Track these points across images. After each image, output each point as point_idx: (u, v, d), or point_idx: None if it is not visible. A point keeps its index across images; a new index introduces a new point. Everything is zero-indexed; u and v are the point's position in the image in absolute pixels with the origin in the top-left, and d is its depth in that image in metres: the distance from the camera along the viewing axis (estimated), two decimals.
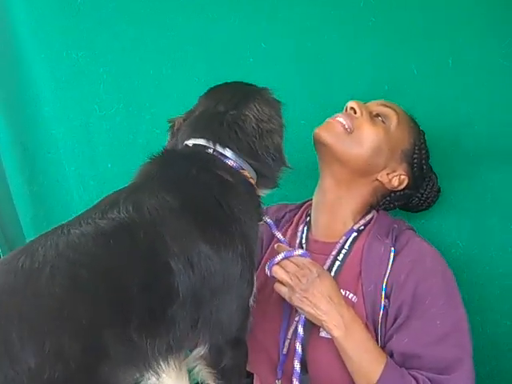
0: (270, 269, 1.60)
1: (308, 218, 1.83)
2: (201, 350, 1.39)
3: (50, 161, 2.63)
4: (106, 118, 2.47)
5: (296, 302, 1.56)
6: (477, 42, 1.79)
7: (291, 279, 1.55)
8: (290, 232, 1.84)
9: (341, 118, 1.68)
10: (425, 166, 1.76)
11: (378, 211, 1.77)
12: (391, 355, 1.53)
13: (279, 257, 1.59)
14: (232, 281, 1.37)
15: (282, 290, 1.59)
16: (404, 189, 1.75)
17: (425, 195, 1.80)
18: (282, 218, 1.89)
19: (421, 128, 1.78)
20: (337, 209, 1.73)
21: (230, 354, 1.40)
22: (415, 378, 1.47)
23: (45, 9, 2.45)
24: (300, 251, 1.60)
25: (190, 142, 1.50)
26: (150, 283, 1.24)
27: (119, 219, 1.25)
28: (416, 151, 1.74)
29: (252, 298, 1.46)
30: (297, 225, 1.85)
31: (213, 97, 1.57)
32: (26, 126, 2.64)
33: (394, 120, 1.70)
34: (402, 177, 1.72)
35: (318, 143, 1.69)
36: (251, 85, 1.59)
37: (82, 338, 1.14)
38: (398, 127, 1.70)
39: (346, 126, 1.67)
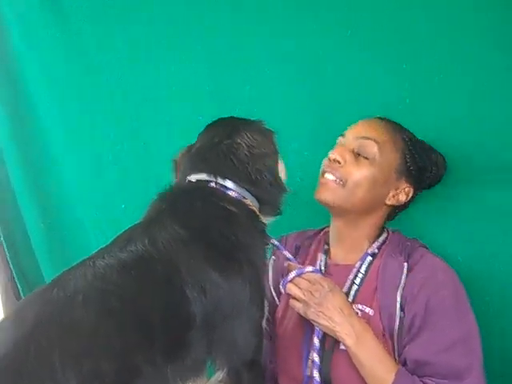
0: (284, 286, 1.68)
1: (326, 247, 1.89)
2: (220, 374, 1.48)
3: (62, 197, 2.76)
4: (115, 155, 2.57)
5: (311, 316, 1.64)
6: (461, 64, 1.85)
7: (305, 295, 1.64)
8: (308, 261, 1.89)
9: (329, 175, 1.74)
10: (421, 163, 1.79)
11: (392, 231, 1.83)
12: (404, 363, 1.61)
13: (292, 274, 1.66)
14: (242, 305, 1.46)
15: (297, 306, 1.67)
16: (412, 195, 1.81)
17: (432, 177, 1.84)
18: (301, 245, 1.96)
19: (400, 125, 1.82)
20: (353, 241, 1.81)
21: (247, 376, 1.48)
22: None
23: (52, 52, 2.60)
24: (311, 268, 1.68)
25: (193, 178, 1.59)
26: (170, 311, 1.35)
27: (137, 252, 1.37)
28: (408, 160, 1.78)
29: (264, 320, 1.54)
30: (315, 253, 1.91)
31: (209, 131, 1.65)
32: (40, 170, 2.77)
33: (374, 150, 1.74)
34: (407, 189, 1.79)
35: (321, 203, 1.76)
36: (245, 118, 1.67)
37: (115, 360, 1.25)
38: (381, 155, 1.75)
39: (337, 181, 1.73)
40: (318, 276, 1.66)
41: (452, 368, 1.55)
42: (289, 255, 1.73)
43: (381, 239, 1.80)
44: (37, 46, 2.62)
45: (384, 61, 1.97)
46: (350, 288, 1.75)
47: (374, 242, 1.79)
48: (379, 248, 1.78)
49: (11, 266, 2.79)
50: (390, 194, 1.77)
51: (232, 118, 1.69)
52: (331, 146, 1.82)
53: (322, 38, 2.07)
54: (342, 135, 1.82)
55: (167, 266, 1.38)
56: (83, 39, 2.52)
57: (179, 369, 1.35)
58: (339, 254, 1.84)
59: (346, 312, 1.62)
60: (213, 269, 1.41)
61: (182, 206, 1.53)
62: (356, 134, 1.79)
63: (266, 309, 1.55)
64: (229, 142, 1.56)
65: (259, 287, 1.51)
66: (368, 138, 1.76)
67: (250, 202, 1.56)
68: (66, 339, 1.23)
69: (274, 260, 1.94)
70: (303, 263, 1.86)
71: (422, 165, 1.79)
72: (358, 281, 1.74)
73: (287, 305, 1.79)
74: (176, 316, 1.35)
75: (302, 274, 1.67)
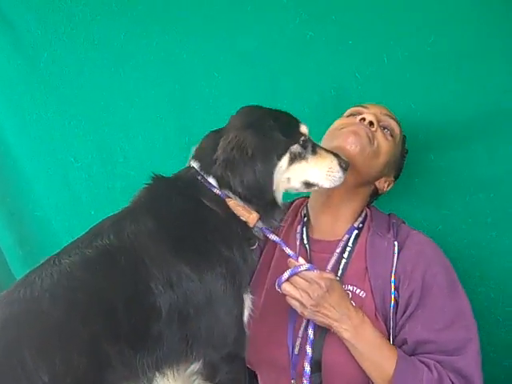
0: (280, 286, 1.61)
1: (305, 219, 1.87)
2: (196, 366, 1.46)
3: (36, 219, 2.75)
4: (83, 168, 2.59)
5: (308, 315, 1.62)
6: (406, 39, 1.93)
7: (302, 296, 1.60)
8: (284, 233, 1.86)
9: (361, 130, 1.71)
10: (404, 164, 1.89)
11: (368, 207, 1.85)
12: (405, 343, 1.60)
13: (286, 274, 1.60)
14: (215, 299, 1.44)
15: (294, 304, 1.63)
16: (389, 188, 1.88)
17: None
18: None
19: None
20: (341, 211, 1.80)
21: (225, 369, 1.47)
22: (427, 365, 1.55)
23: (10, 79, 2.61)
24: (306, 266, 1.60)
25: (191, 164, 1.56)
26: (133, 303, 1.35)
27: (101, 247, 1.37)
28: (404, 157, 1.88)
29: (246, 315, 1.52)
30: (291, 225, 1.89)
31: (233, 119, 1.59)
32: (9, 189, 2.76)
33: (398, 134, 1.80)
34: (390, 181, 1.85)
35: (345, 151, 1.68)
36: (267, 111, 1.57)
37: (85, 351, 1.27)
38: (398, 140, 1.81)
39: (371, 136, 1.72)
40: (314, 274, 1.59)
41: (453, 343, 1.57)
42: (289, 251, 1.65)
43: (363, 214, 1.82)
44: None
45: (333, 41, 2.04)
46: (338, 262, 1.73)
47: (358, 217, 1.80)
48: (363, 222, 1.79)
49: None
50: (382, 179, 1.82)
51: (253, 108, 1.61)
52: None
53: (272, 28, 2.15)
54: (363, 106, 1.82)
55: (131, 259, 1.38)
56: (39, 53, 2.54)
57: (148, 359, 1.35)
58: (323, 226, 1.81)
59: (344, 306, 1.59)
60: (182, 262, 1.40)
61: (160, 198, 1.52)
62: (381, 110, 1.81)
63: (249, 303, 1.53)
64: (217, 138, 1.51)
65: (234, 282, 1.46)
66: (394, 119, 1.80)
67: (236, 201, 1.51)
68: (36, 336, 1.25)
69: None
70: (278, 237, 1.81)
71: (403, 165, 1.89)
72: (346, 254, 1.73)
73: (269, 286, 1.75)
74: (139, 308, 1.35)
75: (297, 273, 1.60)
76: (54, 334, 1.26)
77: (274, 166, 1.50)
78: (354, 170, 1.69)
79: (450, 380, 1.53)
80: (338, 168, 1.58)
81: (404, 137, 1.87)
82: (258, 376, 1.85)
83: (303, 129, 1.57)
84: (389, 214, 1.83)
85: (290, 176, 1.55)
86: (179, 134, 2.32)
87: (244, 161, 1.44)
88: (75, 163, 2.61)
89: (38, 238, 2.76)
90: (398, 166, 1.86)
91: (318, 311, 1.59)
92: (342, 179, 1.59)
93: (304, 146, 1.55)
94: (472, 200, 1.90)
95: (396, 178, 1.88)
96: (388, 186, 1.86)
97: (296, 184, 1.58)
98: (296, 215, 1.91)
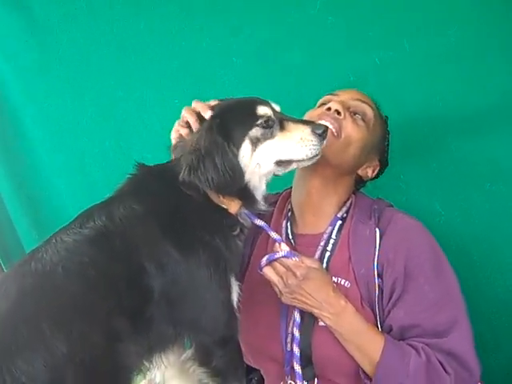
0: (261, 269, 1.62)
1: (290, 213, 1.85)
2: (189, 352, 1.49)
3: (52, 205, 2.79)
4: (100, 154, 2.61)
5: (286, 301, 1.63)
6: (427, 25, 1.90)
7: (278, 281, 1.59)
8: (272, 226, 1.81)
9: (328, 123, 1.65)
10: (388, 146, 1.84)
11: (354, 193, 1.82)
12: (390, 329, 1.59)
13: (264, 259, 1.61)
14: (200, 283, 1.45)
15: (274, 289, 1.62)
16: (376, 174, 1.83)
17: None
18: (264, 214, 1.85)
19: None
20: (323, 206, 1.77)
21: (219, 352, 1.49)
22: (414, 348, 1.54)
23: (28, 65, 2.64)
24: (283, 252, 1.59)
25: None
26: (132, 282, 1.37)
27: (96, 227, 1.38)
28: (387, 140, 1.83)
29: (235, 299, 1.53)
30: (278, 220, 1.87)
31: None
32: (27, 175, 2.80)
33: (371, 116, 1.74)
34: (375, 165, 1.81)
35: None
36: (232, 103, 1.58)
37: (99, 323, 1.29)
38: (374, 123, 1.75)
39: (334, 131, 1.66)
40: (291, 262, 1.58)
41: (438, 325, 1.55)
42: (274, 235, 1.65)
43: (348, 203, 1.78)
44: (12, 53, 2.67)
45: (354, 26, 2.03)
46: (321, 256, 1.71)
47: (342, 207, 1.77)
48: (347, 212, 1.76)
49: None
50: (364, 165, 1.78)
51: (220, 102, 1.59)
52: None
53: (292, 12, 2.13)
54: (332, 94, 1.78)
55: (125, 240, 1.40)
56: (57, 41, 2.57)
57: (141, 342, 1.37)
58: (307, 222, 1.79)
59: (324, 293, 1.58)
60: (169, 244, 1.42)
61: (145, 185, 1.54)
62: (352, 96, 1.76)
63: (236, 288, 1.54)
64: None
65: (218, 268, 1.48)
66: (366, 103, 1.75)
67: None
68: (53, 309, 1.27)
69: None
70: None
71: (388, 147, 1.84)
72: (329, 247, 1.72)
73: (261, 280, 1.68)
74: (136, 288, 1.37)
75: (273, 259, 1.60)
76: (70, 307, 1.29)
77: (233, 154, 1.47)
78: (327, 165, 1.67)
79: (439, 362, 1.52)
80: (310, 137, 1.51)
81: (386, 117, 1.82)
82: (263, 373, 1.85)
83: (261, 110, 1.51)
84: (374, 199, 1.78)
85: (259, 161, 1.51)
86: None
87: (202, 161, 1.45)
88: (92, 149, 2.63)
89: (55, 223, 2.75)
90: (379, 150, 1.80)
91: (294, 298, 1.59)
92: (317, 147, 1.51)
93: (267, 126, 1.50)
94: (492, 189, 1.88)
95: (381, 161, 1.82)
96: (373, 171, 1.81)
97: (269, 166, 1.53)
98: (283, 209, 1.89)
